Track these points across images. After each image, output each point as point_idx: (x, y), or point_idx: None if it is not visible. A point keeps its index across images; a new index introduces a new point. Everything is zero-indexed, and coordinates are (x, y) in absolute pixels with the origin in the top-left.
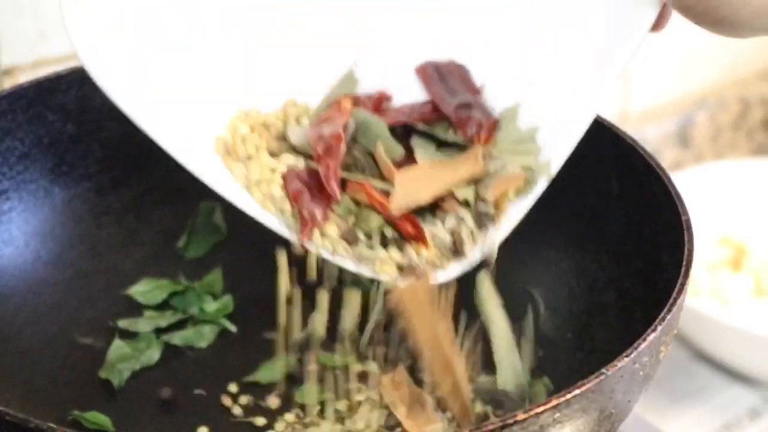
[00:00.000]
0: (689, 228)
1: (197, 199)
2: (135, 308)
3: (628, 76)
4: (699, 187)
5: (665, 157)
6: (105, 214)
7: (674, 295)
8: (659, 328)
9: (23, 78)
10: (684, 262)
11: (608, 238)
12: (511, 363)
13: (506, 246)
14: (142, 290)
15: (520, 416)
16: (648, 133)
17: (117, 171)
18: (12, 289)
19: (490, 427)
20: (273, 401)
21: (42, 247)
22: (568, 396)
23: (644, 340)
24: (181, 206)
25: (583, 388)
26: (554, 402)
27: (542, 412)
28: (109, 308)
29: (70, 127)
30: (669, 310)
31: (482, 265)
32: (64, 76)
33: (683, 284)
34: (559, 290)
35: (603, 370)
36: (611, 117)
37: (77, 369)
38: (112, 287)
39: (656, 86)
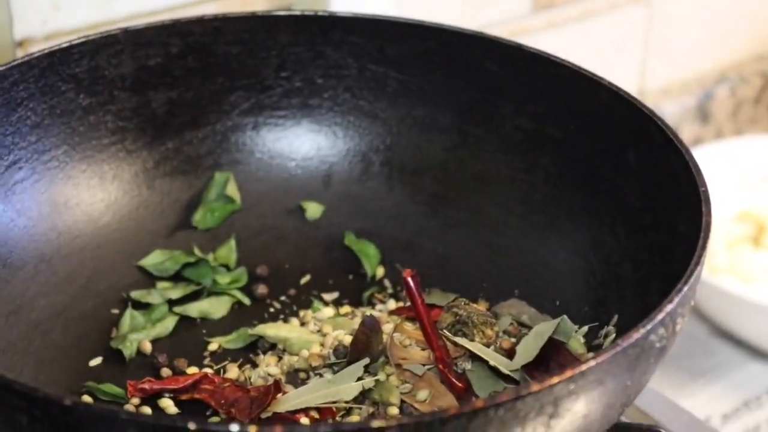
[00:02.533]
0: (707, 199)
1: (211, 171)
2: (147, 280)
3: (647, 53)
4: (719, 163)
5: (684, 132)
6: (117, 185)
7: (691, 266)
8: (676, 299)
9: (36, 50)
10: (702, 234)
11: (625, 210)
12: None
13: (522, 218)
14: (155, 262)
15: (534, 387)
16: (667, 108)
17: (129, 142)
18: (24, 260)
19: (504, 399)
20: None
21: (55, 218)
22: (584, 367)
23: (660, 311)
24: (194, 178)
25: (599, 360)
26: (569, 373)
27: (557, 384)
28: (122, 280)
29: (83, 98)
30: (686, 282)
31: None
32: (77, 46)
33: (701, 255)
34: (575, 262)
35: (618, 342)
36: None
37: (89, 340)
38: (124, 258)
39: (676, 62)
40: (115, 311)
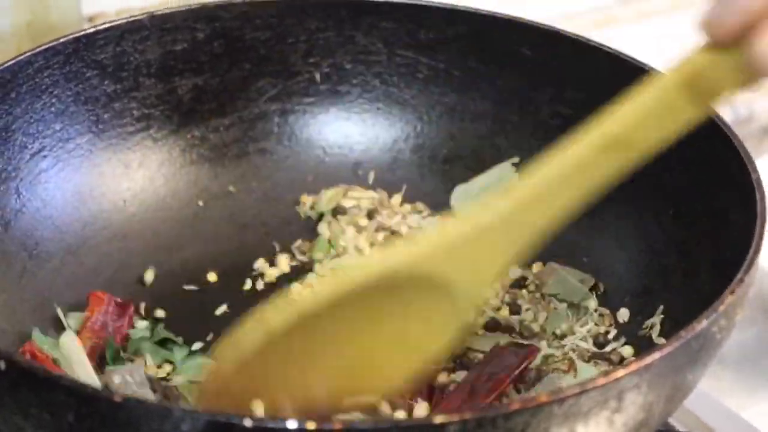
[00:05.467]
0: (759, 186)
1: (237, 159)
2: (175, 271)
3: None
4: None
5: None
6: (143, 173)
7: (750, 254)
8: (737, 290)
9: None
10: (758, 221)
11: (669, 198)
12: None
13: None
14: None
15: (600, 381)
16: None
17: (155, 130)
18: (51, 251)
19: (569, 393)
20: None
21: (80, 208)
22: (649, 360)
23: (722, 302)
24: (220, 166)
25: (664, 352)
26: (634, 366)
27: (622, 377)
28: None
29: (108, 84)
30: (746, 271)
31: None
32: (102, 32)
33: (759, 243)
34: (616, 251)
35: (682, 334)
36: None
37: None
38: (152, 250)
39: None
40: (144, 304)
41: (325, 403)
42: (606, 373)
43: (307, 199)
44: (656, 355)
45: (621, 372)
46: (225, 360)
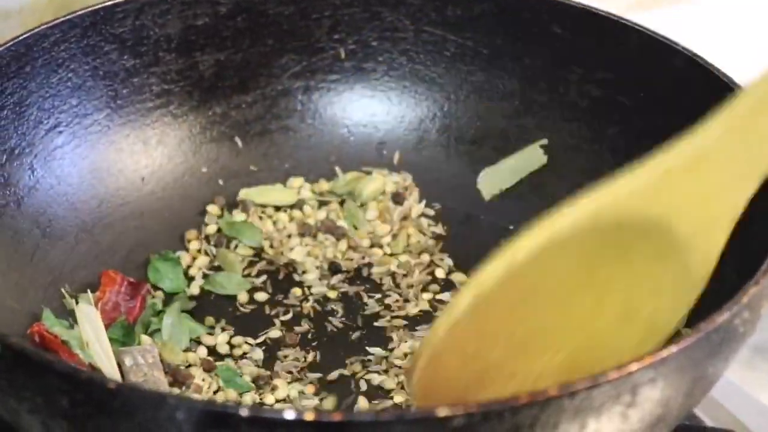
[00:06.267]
0: None
1: (259, 137)
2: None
3: None
4: None
5: None
6: (162, 150)
7: None
8: (762, 281)
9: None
10: None
11: None
12: None
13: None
14: None
15: (612, 375)
16: None
17: (174, 106)
18: (65, 229)
19: (580, 387)
20: None
21: (96, 185)
22: (665, 354)
23: (745, 293)
24: (241, 145)
25: (681, 346)
26: (649, 360)
27: (636, 371)
28: (166, 250)
29: (127, 59)
30: None
31: None
32: (121, 5)
33: None
34: None
35: (702, 326)
36: None
37: None
38: (169, 228)
39: None
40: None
41: (543, 377)
42: (619, 367)
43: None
44: (673, 349)
45: (635, 365)
46: (437, 328)
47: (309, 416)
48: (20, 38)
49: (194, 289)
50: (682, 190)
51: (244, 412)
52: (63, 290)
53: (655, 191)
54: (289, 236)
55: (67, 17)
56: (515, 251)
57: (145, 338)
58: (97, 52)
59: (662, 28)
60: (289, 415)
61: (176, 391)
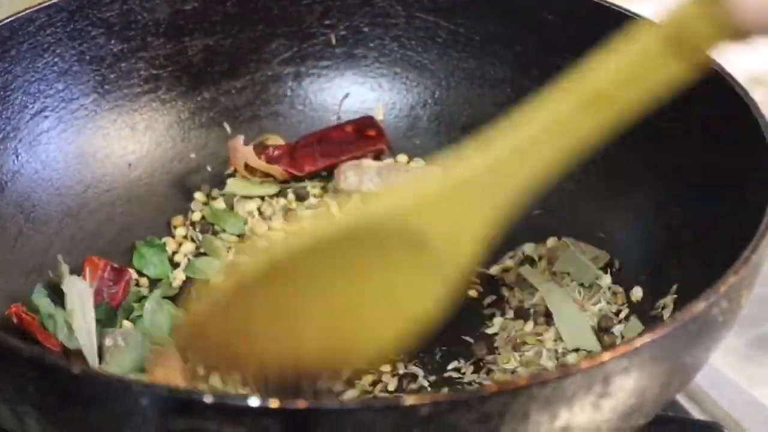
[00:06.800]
0: None
1: (249, 123)
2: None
3: None
4: None
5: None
6: (150, 136)
7: (758, 233)
8: (741, 270)
9: None
10: None
11: (688, 173)
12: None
13: (578, 180)
14: None
15: (584, 365)
16: None
17: (163, 91)
18: (49, 214)
19: (550, 376)
20: None
21: (82, 170)
22: (638, 343)
23: (723, 283)
24: (230, 130)
25: (655, 336)
26: (621, 350)
27: (608, 361)
28: (151, 236)
29: (114, 44)
30: (753, 250)
31: None
32: None
33: None
34: (634, 226)
35: (675, 317)
36: None
37: None
38: (156, 214)
39: None
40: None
41: (308, 362)
42: (590, 357)
43: None
44: (646, 339)
45: (606, 355)
46: (198, 305)
47: (273, 404)
48: (4, 22)
49: (179, 275)
50: (440, 210)
51: (208, 399)
52: (59, 259)
53: (414, 210)
54: (271, 220)
55: (53, 1)
56: (277, 250)
57: (126, 323)
58: (83, 37)
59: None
60: (254, 402)
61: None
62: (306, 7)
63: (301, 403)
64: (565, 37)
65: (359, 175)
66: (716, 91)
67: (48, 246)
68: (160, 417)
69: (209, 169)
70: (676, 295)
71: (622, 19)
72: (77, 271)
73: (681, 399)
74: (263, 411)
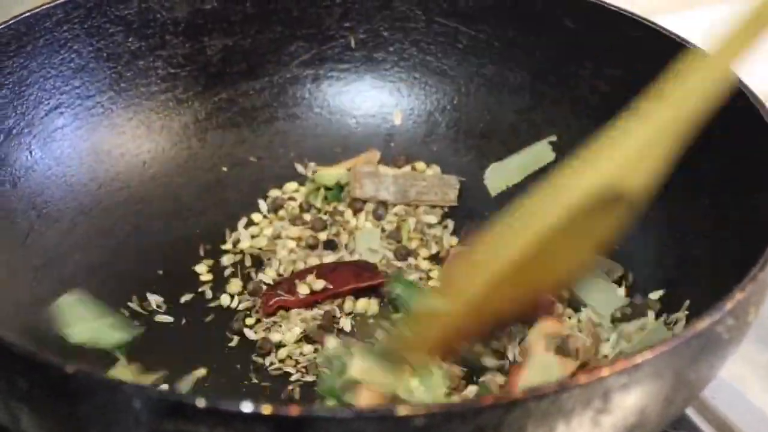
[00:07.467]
0: None
1: (267, 125)
2: (193, 238)
3: None
4: None
5: None
6: (166, 135)
7: (767, 253)
8: (748, 287)
9: None
10: None
11: (703, 187)
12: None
13: None
14: None
15: (582, 379)
16: None
17: (180, 90)
18: (61, 211)
19: (547, 390)
20: None
21: (96, 168)
22: (639, 360)
23: (730, 299)
24: (248, 131)
25: (656, 352)
26: (621, 366)
27: (607, 376)
28: (165, 237)
29: (132, 41)
30: (762, 268)
31: None
32: None
33: None
34: (647, 240)
35: (681, 333)
36: None
37: (121, 302)
38: (170, 214)
39: None
40: (159, 272)
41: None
42: (590, 372)
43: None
44: (648, 355)
45: (606, 371)
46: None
47: (266, 410)
48: (21, 17)
49: None
50: (632, 168)
51: (200, 403)
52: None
53: (620, 174)
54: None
55: None
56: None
57: None
58: (101, 34)
59: (683, 29)
60: (246, 407)
61: None
62: (325, 9)
63: (293, 410)
64: (585, 45)
65: (376, 183)
66: (733, 105)
67: (58, 243)
68: (153, 419)
69: (225, 169)
70: (687, 312)
71: (641, 27)
72: (87, 269)
73: (692, 415)
74: (255, 417)
